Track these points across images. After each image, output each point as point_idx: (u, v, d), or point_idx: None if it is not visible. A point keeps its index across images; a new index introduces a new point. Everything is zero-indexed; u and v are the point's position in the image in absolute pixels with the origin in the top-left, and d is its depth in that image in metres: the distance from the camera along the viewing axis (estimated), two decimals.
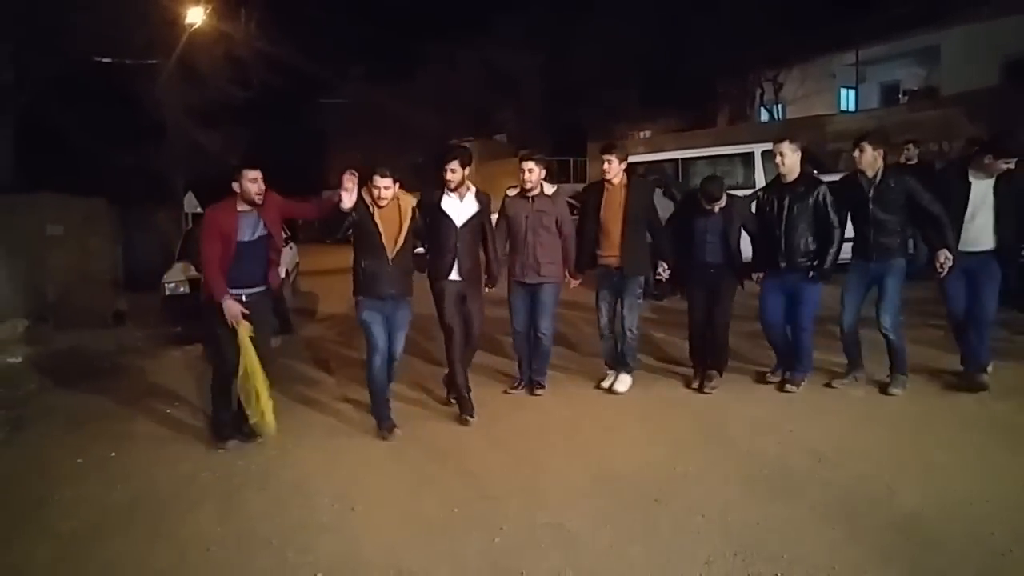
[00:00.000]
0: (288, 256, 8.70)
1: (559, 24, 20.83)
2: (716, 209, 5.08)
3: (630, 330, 5.23)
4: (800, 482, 3.65)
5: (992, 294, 4.85)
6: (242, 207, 4.50)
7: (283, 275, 5.20)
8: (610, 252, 5.15)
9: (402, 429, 4.77)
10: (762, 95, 20.24)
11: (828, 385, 5.08)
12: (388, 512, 3.64)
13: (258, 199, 4.44)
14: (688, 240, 5.20)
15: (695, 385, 5.27)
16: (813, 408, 4.76)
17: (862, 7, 17.03)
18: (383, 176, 4.54)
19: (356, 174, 4.42)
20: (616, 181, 5.16)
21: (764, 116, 20.22)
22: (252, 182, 4.41)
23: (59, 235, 11.29)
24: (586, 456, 4.20)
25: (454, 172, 4.83)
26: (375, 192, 4.56)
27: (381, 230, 4.59)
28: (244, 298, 4.50)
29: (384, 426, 4.74)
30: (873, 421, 4.47)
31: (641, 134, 20.92)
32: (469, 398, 4.96)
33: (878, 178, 4.77)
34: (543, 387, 5.40)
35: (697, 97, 20.62)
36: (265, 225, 4.56)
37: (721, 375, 5.26)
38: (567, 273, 5.28)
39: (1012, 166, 4.77)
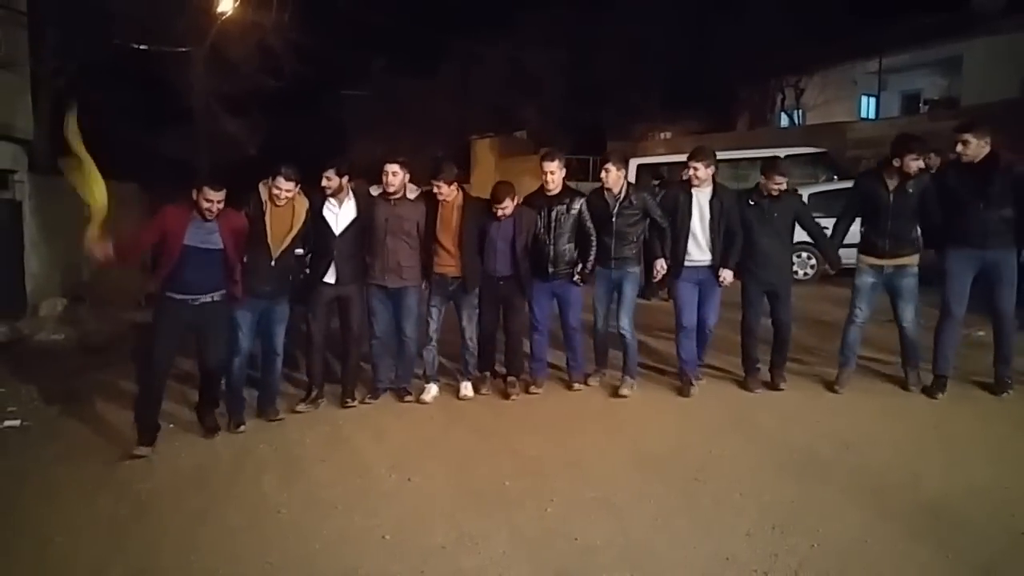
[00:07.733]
0: None
1: (582, 24, 20.97)
2: (501, 215, 5.06)
3: (470, 339, 5.27)
4: (829, 467, 3.89)
5: (713, 303, 5.36)
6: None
7: None
8: (447, 263, 5.13)
9: (447, 410, 5.04)
10: (783, 100, 20.30)
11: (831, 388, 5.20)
12: (443, 483, 3.89)
13: (208, 215, 4.37)
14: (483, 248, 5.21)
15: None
16: (838, 400, 5.01)
17: (887, 16, 17.12)
18: (287, 179, 4.55)
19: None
20: (450, 200, 5.07)
21: (784, 121, 20.31)
22: (207, 201, 4.32)
23: None
24: (623, 439, 4.46)
25: (330, 180, 4.86)
26: (274, 191, 4.57)
27: (269, 229, 4.64)
28: (193, 302, 4.43)
29: (233, 420, 4.78)
30: (896, 415, 4.70)
31: (661, 135, 21.09)
32: (313, 393, 5.12)
33: (622, 195, 5.14)
34: (409, 394, 5.23)
35: (718, 100, 20.72)
36: (221, 238, 4.45)
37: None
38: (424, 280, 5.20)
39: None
